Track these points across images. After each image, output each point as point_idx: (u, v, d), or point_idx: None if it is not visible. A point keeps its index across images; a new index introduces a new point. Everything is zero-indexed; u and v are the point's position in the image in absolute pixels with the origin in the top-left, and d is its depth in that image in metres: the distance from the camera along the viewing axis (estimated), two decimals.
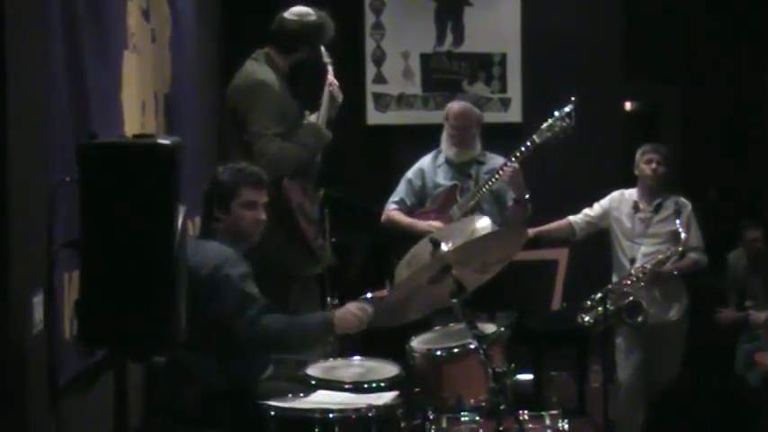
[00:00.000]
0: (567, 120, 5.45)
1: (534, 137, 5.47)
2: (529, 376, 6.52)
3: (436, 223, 5.56)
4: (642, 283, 5.54)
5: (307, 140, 5.03)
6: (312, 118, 5.25)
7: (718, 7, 7.87)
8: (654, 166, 5.69)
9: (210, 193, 4.03)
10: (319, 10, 5.13)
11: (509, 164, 5.45)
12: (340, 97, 5.28)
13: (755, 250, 6.81)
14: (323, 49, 5.24)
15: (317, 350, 4.08)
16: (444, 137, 5.79)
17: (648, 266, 5.53)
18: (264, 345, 3.86)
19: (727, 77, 7.93)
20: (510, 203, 5.59)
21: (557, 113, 5.47)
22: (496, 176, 5.49)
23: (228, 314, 3.76)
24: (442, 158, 5.80)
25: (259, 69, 5.02)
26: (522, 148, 5.45)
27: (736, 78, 7.87)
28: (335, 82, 5.25)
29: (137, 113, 4.19)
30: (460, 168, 5.74)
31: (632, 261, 5.57)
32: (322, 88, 5.24)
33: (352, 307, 3.99)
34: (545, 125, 5.48)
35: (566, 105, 5.47)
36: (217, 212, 4.00)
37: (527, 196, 5.52)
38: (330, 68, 5.25)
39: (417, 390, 4.05)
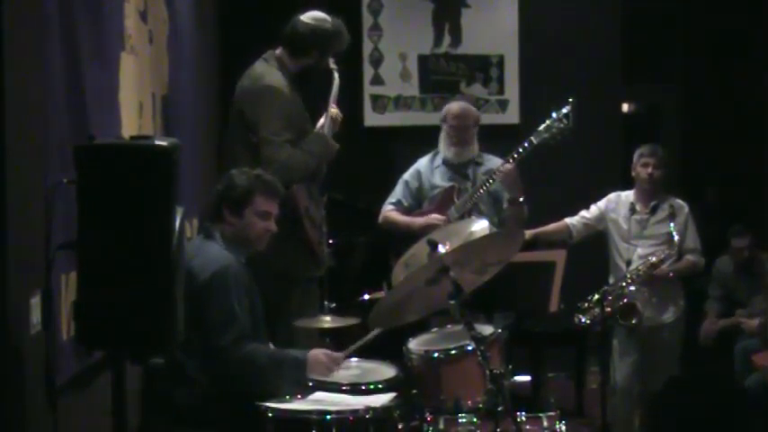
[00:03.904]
0: (565, 121, 5.45)
1: (532, 138, 5.46)
2: (526, 378, 6.53)
3: (435, 216, 5.56)
4: (633, 287, 5.52)
5: (314, 149, 4.99)
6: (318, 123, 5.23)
7: (716, 8, 7.88)
8: (650, 169, 5.67)
9: (224, 195, 4.02)
10: (336, 18, 5.06)
11: (505, 164, 5.46)
12: (338, 126, 5.23)
13: (742, 258, 6.83)
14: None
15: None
16: (443, 137, 5.79)
17: (641, 268, 5.53)
18: (238, 370, 3.82)
19: (726, 78, 7.94)
20: (505, 205, 5.60)
21: (554, 115, 5.47)
22: (493, 177, 5.50)
23: (212, 326, 3.77)
24: (439, 160, 5.80)
25: (269, 73, 4.96)
26: (520, 150, 5.45)
27: (736, 79, 7.87)
28: (339, 113, 5.20)
29: (134, 115, 4.19)
30: (458, 169, 5.74)
31: (628, 263, 5.56)
32: (327, 93, 5.19)
33: (324, 355, 3.95)
34: (542, 126, 5.47)
35: (564, 107, 5.48)
36: (228, 216, 3.99)
37: (521, 199, 5.52)
38: (336, 75, 5.20)
39: (415, 391, 4.05)
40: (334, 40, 5.06)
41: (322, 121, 5.16)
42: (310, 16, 5.04)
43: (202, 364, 3.80)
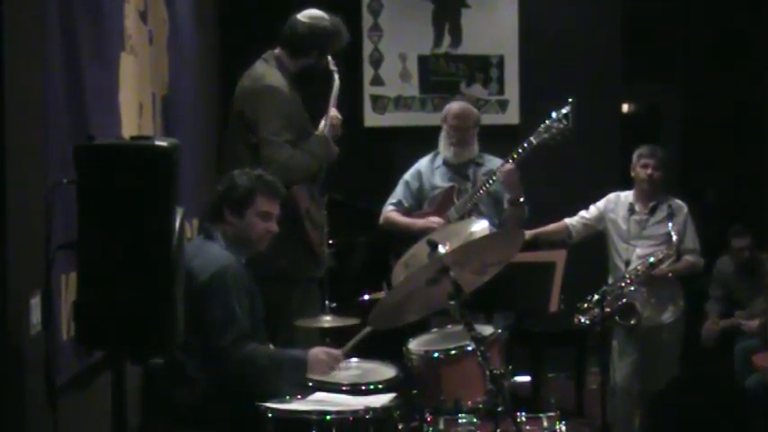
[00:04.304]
0: (564, 121, 5.45)
1: (531, 138, 5.47)
2: (526, 378, 6.53)
3: (435, 219, 5.56)
4: (633, 287, 5.51)
5: (315, 150, 4.99)
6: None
7: (716, 8, 7.88)
8: (649, 171, 5.67)
9: (225, 196, 4.01)
10: (334, 16, 5.04)
11: (505, 165, 5.46)
12: (338, 130, 5.20)
13: (742, 259, 6.83)
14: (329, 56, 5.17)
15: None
16: (443, 137, 5.79)
17: (640, 269, 5.53)
18: (238, 370, 3.82)
19: (725, 78, 7.93)
20: (506, 205, 5.60)
21: (554, 115, 5.47)
22: (494, 178, 5.50)
23: (212, 327, 3.77)
24: (439, 160, 5.80)
25: (269, 73, 4.96)
26: (520, 150, 5.46)
27: (735, 79, 7.87)
28: (339, 117, 5.19)
29: (134, 115, 4.19)
30: (458, 170, 5.74)
31: (627, 263, 5.56)
32: (327, 93, 5.18)
33: (324, 354, 3.96)
34: (542, 126, 5.48)
35: (563, 107, 5.48)
36: (229, 216, 3.98)
37: (522, 198, 5.52)
38: (336, 76, 5.19)
39: (415, 392, 4.05)
40: (334, 38, 5.05)
41: (323, 123, 5.16)
42: (308, 15, 5.02)
43: (202, 365, 3.80)
